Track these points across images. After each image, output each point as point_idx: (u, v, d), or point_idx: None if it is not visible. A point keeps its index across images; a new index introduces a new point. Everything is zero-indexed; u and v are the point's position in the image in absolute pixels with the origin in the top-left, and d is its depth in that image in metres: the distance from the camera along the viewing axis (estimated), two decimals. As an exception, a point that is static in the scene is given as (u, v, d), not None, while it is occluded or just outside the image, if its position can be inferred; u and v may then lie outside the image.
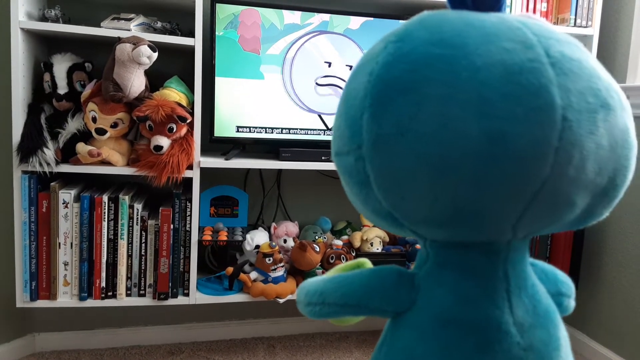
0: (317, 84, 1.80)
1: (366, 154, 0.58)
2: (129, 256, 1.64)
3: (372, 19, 1.82)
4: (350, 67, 1.82)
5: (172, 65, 1.79)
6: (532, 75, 0.53)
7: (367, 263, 0.82)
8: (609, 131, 0.57)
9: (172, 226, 1.65)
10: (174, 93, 1.63)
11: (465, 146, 0.53)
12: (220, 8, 1.68)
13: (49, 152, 1.51)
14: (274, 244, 1.75)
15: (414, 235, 0.67)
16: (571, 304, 0.77)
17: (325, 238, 1.93)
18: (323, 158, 1.79)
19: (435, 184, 0.55)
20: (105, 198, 1.59)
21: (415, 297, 0.67)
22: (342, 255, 1.82)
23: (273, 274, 1.73)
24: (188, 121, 1.59)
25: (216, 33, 1.69)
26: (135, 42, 1.48)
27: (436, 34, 0.57)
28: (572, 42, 0.60)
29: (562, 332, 0.69)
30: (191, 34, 1.64)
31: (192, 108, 1.65)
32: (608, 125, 0.57)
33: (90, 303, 1.62)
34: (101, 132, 1.54)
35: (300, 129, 1.82)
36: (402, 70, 0.56)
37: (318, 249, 1.79)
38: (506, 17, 0.59)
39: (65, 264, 1.60)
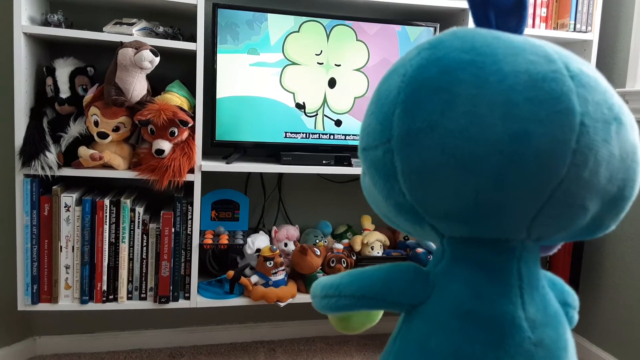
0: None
1: (395, 146, 0.62)
2: (130, 259, 1.65)
3: (377, 24, 1.83)
4: (356, 70, 1.83)
5: (173, 69, 1.80)
6: (554, 83, 0.59)
7: None
8: (620, 143, 0.61)
9: (173, 230, 1.65)
10: (175, 97, 1.64)
11: (490, 143, 0.57)
12: (222, 13, 1.69)
13: (51, 156, 1.52)
14: (274, 247, 1.75)
15: (433, 231, 0.69)
16: (575, 316, 0.80)
17: (325, 242, 1.94)
18: (324, 162, 1.79)
19: (460, 177, 0.59)
20: (106, 201, 1.59)
21: (430, 291, 0.70)
22: (343, 259, 1.82)
23: (274, 278, 1.73)
24: (189, 125, 1.60)
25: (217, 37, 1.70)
26: (138, 46, 1.49)
27: (468, 43, 0.62)
28: (587, 63, 0.65)
29: (570, 336, 0.72)
30: (193, 38, 1.65)
31: (194, 112, 1.65)
32: (620, 138, 0.61)
33: (91, 306, 1.63)
34: (103, 136, 1.55)
35: (302, 133, 1.82)
36: (434, 72, 0.61)
37: (319, 253, 1.79)
38: (528, 37, 0.66)
39: (67, 267, 1.60)
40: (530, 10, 1.92)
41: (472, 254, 0.68)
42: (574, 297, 0.80)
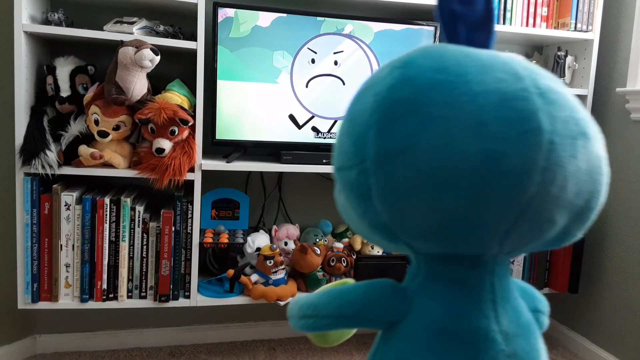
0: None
1: (370, 167, 0.62)
2: (130, 258, 1.65)
3: (378, 23, 1.83)
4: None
5: (174, 68, 1.80)
6: (523, 102, 0.59)
7: (352, 282, 0.84)
8: (586, 157, 0.62)
9: (173, 228, 1.65)
10: (176, 96, 1.64)
11: (464, 163, 0.58)
12: (223, 12, 1.69)
13: (52, 155, 1.52)
14: (274, 246, 1.75)
15: (408, 249, 0.70)
16: (546, 321, 0.81)
17: (326, 241, 1.94)
18: (324, 161, 1.79)
19: (435, 197, 0.59)
20: (107, 200, 1.59)
21: (407, 309, 0.71)
22: (343, 258, 1.82)
23: (274, 277, 1.73)
24: (190, 124, 1.60)
25: (218, 36, 1.70)
26: (138, 45, 1.49)
27: (439, 63, 0.62)
28: (554, 78, 0.67)
29: (541, 345, 0.74)
30: (193, 37, 1.65)
31: (194, 111, 1.65)
32: (586, 152, 0.62)
33: (91, 305, 1.63)
34: (103, 134, 1.55)
35: (302, 132, 1.82)
36: (407, 93, 0.61)
37: (319, 252, 1.79)
38: (497, 53, 0.67)
39: (67, 265, 1.60)
40: (531, 10, 1.92)
41: (446, 270, 0.69)
42: (544, 303, 0.81)
